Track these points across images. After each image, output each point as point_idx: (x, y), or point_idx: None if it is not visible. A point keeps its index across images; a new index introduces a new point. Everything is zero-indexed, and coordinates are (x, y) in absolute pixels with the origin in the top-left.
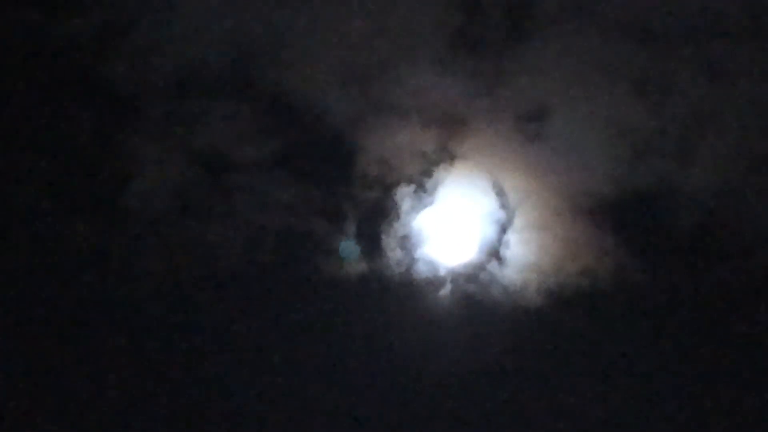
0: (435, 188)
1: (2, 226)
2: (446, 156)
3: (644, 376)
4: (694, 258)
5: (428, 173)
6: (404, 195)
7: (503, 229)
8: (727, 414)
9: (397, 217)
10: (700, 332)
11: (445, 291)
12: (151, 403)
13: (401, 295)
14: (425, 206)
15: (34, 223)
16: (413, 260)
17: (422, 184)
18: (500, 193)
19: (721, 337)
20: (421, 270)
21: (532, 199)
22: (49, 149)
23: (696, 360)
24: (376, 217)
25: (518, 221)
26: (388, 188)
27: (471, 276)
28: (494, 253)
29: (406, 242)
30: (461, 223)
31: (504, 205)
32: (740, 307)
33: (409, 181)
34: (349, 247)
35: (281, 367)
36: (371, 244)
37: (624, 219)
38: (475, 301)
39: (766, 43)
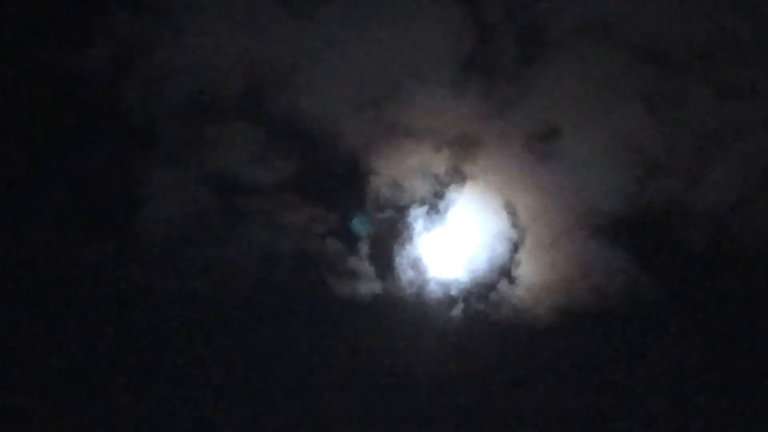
0: (447, 209)
1: (18, 251)
2: (458, 177)
3: (657, 393)
4: (706, 275)
5: (440, 194)
6: (417, 216)
7: (515, 248)
8: (744, 428)
9: (410, 238)
10: (713, 349)
11: (457, 310)
12: (168, 422)
13: (414, 314)
14: (437, 227)
15: (50, 248)
16: (425, 280)
17: (434, 205)
18: (512, 212)
19: (734, 353)
20: (434, 290)
21: (543, 218)
22: (64, 175)
23: (709, 376)
24: (389, 238)
25: (529, 240)
26: (400, 210)
27: (483, 295)
28: (506, 272)
29: (419, 263)
30: (473, 243)
31: (515, 225)
32: (753, 324)
33: (422, 203)
34: (361, 222)
35: (296, 386)
36: (384, 264)
37: (635, 237)
38: (487, 320)
39: None
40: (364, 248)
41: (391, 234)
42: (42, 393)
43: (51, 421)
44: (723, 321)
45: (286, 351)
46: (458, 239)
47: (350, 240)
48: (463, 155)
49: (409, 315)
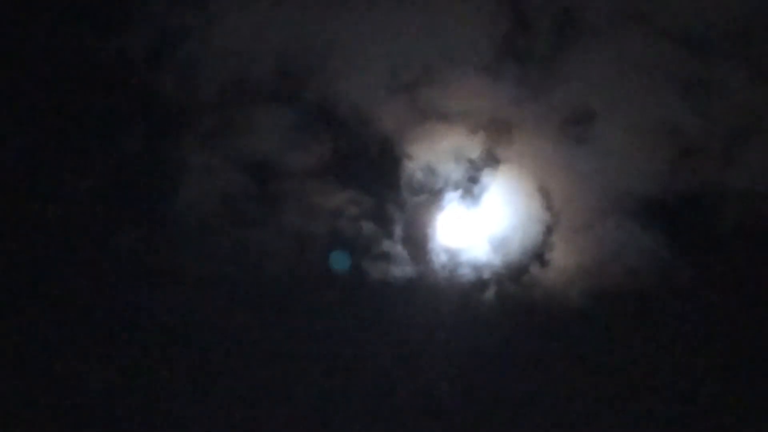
0: (481, 193)
1: (54, 234)
2: (492, 161)
3: (690, 376)
4: (740, 258)
5: (474, 178)
6: (451, 200)
7: (548, 231)
8: None
9: (444, 221)
10: (747, 332)
11: (490, 293)
12: (197, 407)
13: (446, 297)
14: (471, 210)
15: (85, 230)
16: (458, 263)
17: (468, 189)
18: (545, 196)
19: None
20: (466, 273)
21: (576, 201)
22: (100, 159)
23: (743, 360)
24: (423, 221)
25: (563, 223)
26: (434, 193)
27: (515, 278)
28: (539, 255)
29: (452, 246)
30: (506, 227)
31: (549, 208)
32: None
33: (456, 186)
34: (340, 257)
35: (329, 369)
36: (418, 248)
37: (669, 220)
38: (520, 303)
39: None
40: (398, 232)
41: (425, 218)
42: (73, 374)
43: (81, 400)
44: (757, 303)
45: (319, 334)
46: (492, 223)
47: (384, 223)
48: (497, 139)
49: (442, 298)
